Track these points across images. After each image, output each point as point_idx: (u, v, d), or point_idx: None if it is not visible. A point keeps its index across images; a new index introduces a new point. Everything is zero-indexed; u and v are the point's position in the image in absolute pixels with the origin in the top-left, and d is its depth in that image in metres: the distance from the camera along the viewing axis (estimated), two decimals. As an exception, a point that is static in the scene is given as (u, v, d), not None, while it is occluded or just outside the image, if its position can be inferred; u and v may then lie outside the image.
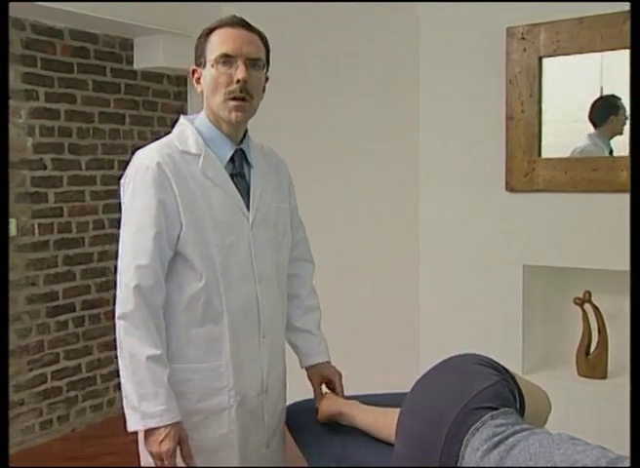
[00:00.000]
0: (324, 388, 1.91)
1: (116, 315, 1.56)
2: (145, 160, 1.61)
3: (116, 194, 3.89)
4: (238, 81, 1.58)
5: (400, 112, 3.51)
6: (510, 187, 2.85)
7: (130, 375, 1.53)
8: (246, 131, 1.73)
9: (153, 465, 1.58)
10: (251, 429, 1.71)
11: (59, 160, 3.62)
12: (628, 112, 2.67)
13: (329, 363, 1.91)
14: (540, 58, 2.75)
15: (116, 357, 4.34)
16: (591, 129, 2.76)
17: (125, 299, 1.54)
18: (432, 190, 3.05)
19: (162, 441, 1.51)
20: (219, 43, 1.61)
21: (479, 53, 2.90)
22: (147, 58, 3.93)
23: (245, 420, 1.69)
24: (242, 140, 1.71)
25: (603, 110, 2.74)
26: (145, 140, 4.07)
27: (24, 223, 3.46)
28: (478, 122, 2.92)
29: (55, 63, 3.58)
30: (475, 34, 2.90)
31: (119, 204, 4.27)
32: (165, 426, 1.51)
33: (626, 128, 2.69)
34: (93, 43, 3.76)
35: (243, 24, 1.64)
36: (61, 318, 3.67)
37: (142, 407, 1.51)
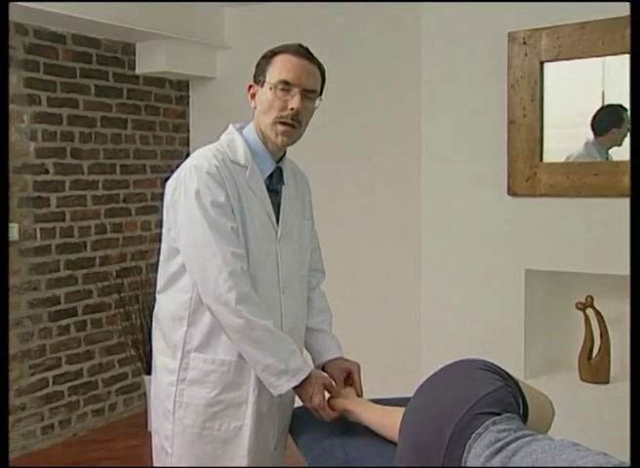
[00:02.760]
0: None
1: (229, 302, 1.61)
2: (205, 163, 1.68)
3: (117, 198, 3.92)
4: (292, 109, 1.69)
5: (402, 116, 3.52)
6: (512, 192, 2.85)
7: (269, 346, 1.63)
8: (285, 150, 1.84)
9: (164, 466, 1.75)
10: (263, 426, 1.78)
11: (61, 164, 3.63)
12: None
13: (345, 358, 1.94)
14: (542, 63, 2.75)
15: (118, 361, 4.34)
16: (591, 135, 2.76)
17: (237, 284, 1.62)
18: (434, 194, 3.05)
19: (312, 396, 1.66)
20: (280, 69, 1.70)
21: (481, 57, 2.91)
22: (149, 62, 3.94)
23: (259, 416, 1.76)
24: (281, 158, 1.82)
25: (606, 121, 2.73)
26: (147, 145, 4.08)
27: (26, 228, 3.47)
28: (480, 126, 2.92)
29: (57, 68, 3.59)
30: (477, 39, 2.91)
31: (120, 208, 4.26)
32: (310, 381, 1.65)
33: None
34: (95, 48, 3.77)
35: (306, 55, 1.73)
36: (63, 322, 3.67)
37: (291, 365, 1.63)
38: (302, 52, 1.73)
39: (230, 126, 1.82)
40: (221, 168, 1.68)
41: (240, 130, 1.80)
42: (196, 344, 1.72)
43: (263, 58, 1.75)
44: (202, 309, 1.70)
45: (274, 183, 1.80)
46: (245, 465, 1.74)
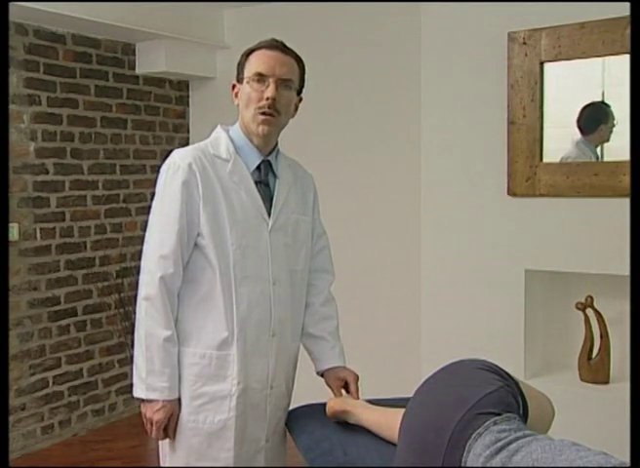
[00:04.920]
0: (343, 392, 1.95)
1: (140, 296, 1.73)
2: (179, 160, 1.75)
3: (117, 199, 3.92)
4: (267, 98, 1.74)
5: (402, 117, 3.52)
6: (512, 192, 2.85)
7: (143, 351, 1.72)
8: (276, 144, 1.87)
9: (173, 466, 1.80)
10: (250, 419, 1.80)
11: (61, 165, 3.63)
12: (616, 120, 2.68)
13: (344, 367, 1.96)
14: (542, 63, 2.75)
15: (118, 361, 4.34)
16: (578, 135, 2.77)
17: (149, 284, 1.71)
18: (434, 195, 3.05)
19: (157, 410, 1.72)
20: (255, 63, 1.77)
21: (481, 58, 2.91)
22: (149, 62, 3.95)
23: (245, 410, 1.78)
24: (270, 153, 1.85)
25: (593, 119, 2.75)
26: (147, 145, 4.08)
27: (26, 228, 3.47)
28: (480, 127, 2.92)
29: (57, 68, 3.59)
30: (477, 39, 2.91)
31: (120, 208, 4.28)
32: (156, 406, 1.72)
33: (623, 132, 2.68)
34: (95, 48, 3.77)
35: (279, 47, 1.79)
36: (63, 322, 3.67)
37: (149, 380, 1.72)
38: (276, 45, 1.79)
39: (218, 126, 1.88)
40: (196, 162, 1.73)
41: (227, 130, 1.86)
42: (181, 338, 1.76)
43: (242, 56, 1.82)
44: (184, 304, 1.76)
45: (263, 176, 1.83)
46: (232, 458, 1.77)
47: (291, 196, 1.88)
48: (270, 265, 1.80)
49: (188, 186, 1.71)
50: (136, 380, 1.75)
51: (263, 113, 1.74)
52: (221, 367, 1.75)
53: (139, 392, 1.74)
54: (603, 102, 2.72)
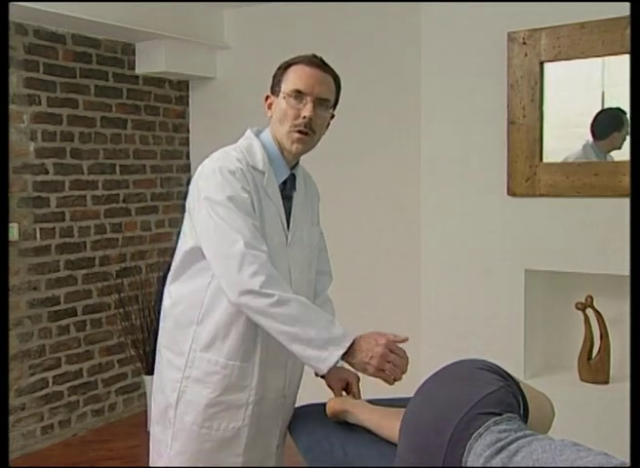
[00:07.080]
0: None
1: (254, 288, 1.58)
2: (229, 165, 1.70)
3: (117, 199, 3.92)
4: (304, 117, 1.71)
5: (402, 117, 3.52)
6: (512, 192, 2.85)
7: (307, 318, 1.58)
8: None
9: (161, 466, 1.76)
10: (263, 427, 1.80)
11: (60, 164, 3.62)
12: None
13: (343, 368, 1.94)
14: (542, 63, 2.76)
15: (118, 361, 4.32)
16: (590, 136, 2.75)
17: (252, 277, 1.58)
18: (434, 195, 3.05)
19: (375, 345, 1.58)
20: (293, 78, 1.73)
21: (480, 58, 2.91)
22: (149, 62, 3.94)
23: (259, 418, 1.78)
24: (295, 166, 1.85)
25: (606, 125, 2.72)
26: (147, 145, 4.08)
27: (26, 228, 3.47)
28: (480, 127, 2.92)
29: (57, 68, 3.59)
30: (476, 39, 2.91)
31: (120, 208, 4.26)
32: (359, 347, 1.57)
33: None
34: (95, 48, 3.77)
35: (319, 65, 1.75)
36: (63, 322, 3.67)
37: (334, 333, 1.57)
38: (316, 62, 1.76)
39: (248, 131, 1.84)
40: (245, 171, 1.70)
41: (257, 135, 1.81)
42: (202, 344, 1.74)
43: (279, 69, 1.78)
44: (213, 309, 1.72)
45: (287, 190, 1.82)
46: (240, 462, 1.76)
47: (305, 208, 1.88)
48: (291, 279, 1.78)
49: (246, 189, 1.68)
50: (318, 354, 1.56)
51: (299, 131, 1.72)
52: (242, 377, 1.73)
53: (333, 356, 1.55)
54: (619, 109, 2.69)
